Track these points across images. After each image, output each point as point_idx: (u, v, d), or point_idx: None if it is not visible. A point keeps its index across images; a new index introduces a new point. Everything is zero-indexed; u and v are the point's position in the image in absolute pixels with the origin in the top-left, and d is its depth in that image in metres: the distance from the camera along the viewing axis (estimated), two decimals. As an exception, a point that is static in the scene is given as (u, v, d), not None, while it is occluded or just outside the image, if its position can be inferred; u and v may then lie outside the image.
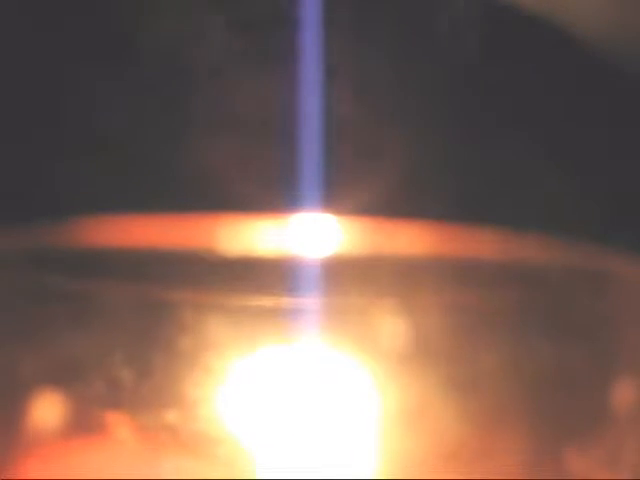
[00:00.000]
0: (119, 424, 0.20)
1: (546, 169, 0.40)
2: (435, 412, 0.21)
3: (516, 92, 0.37)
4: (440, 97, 0.36)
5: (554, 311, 0.22)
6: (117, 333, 0.20)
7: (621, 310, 0.22)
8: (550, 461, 0.22)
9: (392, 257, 0.23)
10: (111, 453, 0.20)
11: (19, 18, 0.30)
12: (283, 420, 0.21)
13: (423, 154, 0.33)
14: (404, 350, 0.21)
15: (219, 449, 0.20)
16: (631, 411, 0.22)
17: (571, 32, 0.40)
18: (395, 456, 0.21)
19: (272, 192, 0.39)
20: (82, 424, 0.21)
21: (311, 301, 0.21)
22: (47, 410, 0.20)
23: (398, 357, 0.21)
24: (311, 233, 0.21)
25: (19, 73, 0.30)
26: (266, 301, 0.20)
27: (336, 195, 0.38)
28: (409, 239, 0.22)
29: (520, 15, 0.40)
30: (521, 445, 0.22)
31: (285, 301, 0.20)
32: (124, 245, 0.20)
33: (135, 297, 0.20)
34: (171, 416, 0.20)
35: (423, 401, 0.21)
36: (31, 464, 0.20)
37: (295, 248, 0.21)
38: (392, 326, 0.21)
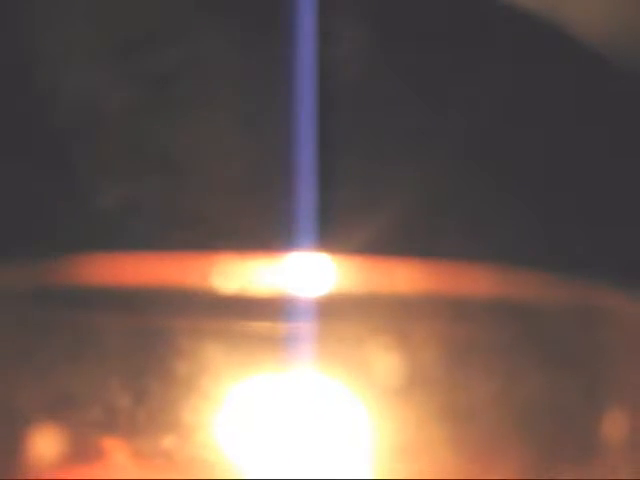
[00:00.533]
0: (116, 450, 0.20)
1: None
2: (428, 443, 0.21)
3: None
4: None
5: (546, 344, 0.22)
6: (114, 360, 0.21)
7: (612, 342, 0.22)
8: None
9: (387, 294, 0.23)
10: (109, 478, 0.21)
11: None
12: (278, 447, 0.21)
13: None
14: (398, 382, 0.21)
15: (215, 474, 0.20)
16: (623, 441, 0.22)
17: (571, 32, 0.41)
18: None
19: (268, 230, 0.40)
20: (80, 451, 0.21)
21: (306, 328, 0.21)
22: (45, 438, 0.21)
23: (392, 388, 0.21)
24: (306, 271, 0.21)
25: None
26: (262, 328, 0.21)
27: (331, 234, 0.38)
28: (403, 276, 0.22)
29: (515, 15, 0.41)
30: (514, 475, 0.22)
31: (281, 328, 0.21)
32: (121, 281, 0.21)
33: (131, 325, 0.20)
34: (167, 441, 0.20)
35: (416, 432, 0.21)
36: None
37: (290, 286, 0.21)
38: (386, 358, 0.21)
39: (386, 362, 0.22)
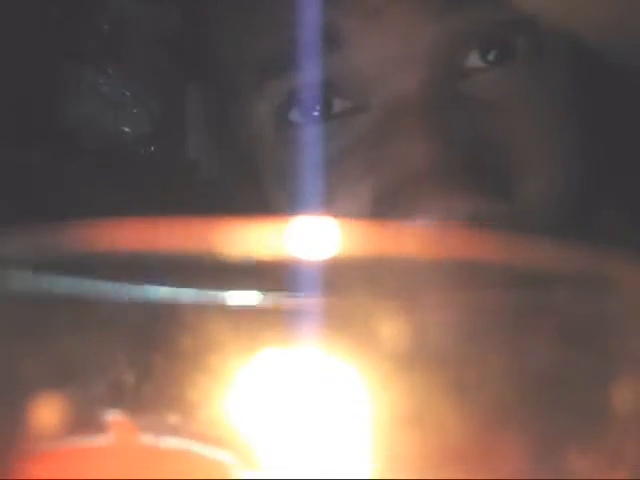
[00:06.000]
0: (120, 426, 0.20)
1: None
2: (436, 414, 0.21)
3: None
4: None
5: (556, 313, 0.22)
6: (118, 335, 0.20)
7: (624, 313, 0.22)
8: (552, 463, 0.22)
9: (394, 259, 0.23)
10: (113, 455, 0.20)
11: None
12: (284, 422, 0.21)
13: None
14: (405, 352, 0.21)
15: (220, 450, 0.20)
16: (632, 413, 0.22)
17: (572, 32, 0.40)
18: (396, 458, 0.21)
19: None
20: (83, 426, 0.21)
21: (312, 302, 0.21)
22: (48, 412, 0.20)
23: (399, 359, 0.21)
24: (312, 236, 0.21)
25: None
26: (267, 302, 0.20)
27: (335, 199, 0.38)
28: (411, 241, 0.22)
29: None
30: (523, 447, 0.22)
31: (286, 302, 0.20)
32: (125, 248, 0.20)
33: (136, 298, 0.20)
34: (172, 418, 0.20)
35: (424, 403, 0.21)
36: (33, 466, 0.20)
37: (296, 251, 0.21)
38: (393, 328, 0.21)
39: (392, 331, 0.21)
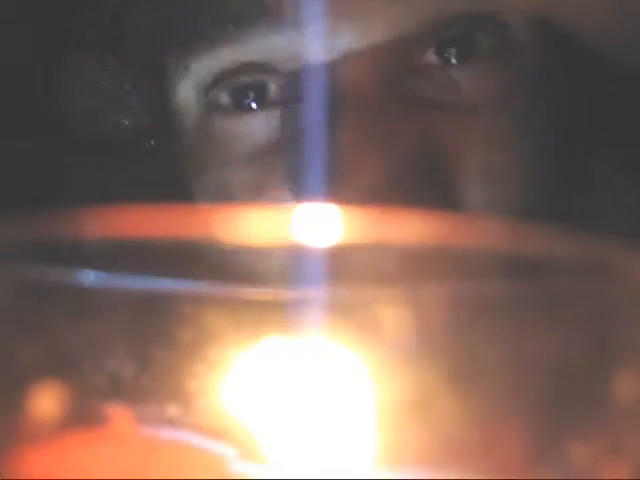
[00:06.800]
0: (119, 417, 0.20)
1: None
2: (439, 403, 0.21)
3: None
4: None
5: (556, 302, 0.22)
6: (117, 325, 0.20)
7: (623, 301, 0.22)
8: (552, 452, 0.21)
9: (395, 247, 0.23)
10: (111, 446, 0.20)
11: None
12: (285, 412, 0.21)
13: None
14: (407, 341, 0.21)
15: (219, 442, 0.20)
16: (633, 402, 0.22)
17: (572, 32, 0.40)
18: (397, 448, 0.21)
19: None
20: (82, 417, 0.20)
21: (313, 292, 0.21)
22: (47, 404, 0.20)
23: (401, 348, 0.21)
24: (314, 223, 0.21)
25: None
26: (267, 293, 0.20)
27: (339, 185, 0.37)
28: (413, 228, 0.22)
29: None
30: (524, 436, 0.21)
31: (287, 292, 0.20)
32: (124, 237, 0.20)
33: (135, 289, 0.20)
34: (171, 409, 0.20)
35: (427, 392, 0.21)
36: (31, 457, 0.20)
37: (298, 238, 0.21)
38: (395, 317, 0.21)
39: (394, 319, 0.21)
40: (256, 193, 0.37)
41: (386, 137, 0.36)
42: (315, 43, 0.35)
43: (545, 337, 0.22)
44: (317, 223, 0.21)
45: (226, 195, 0.38)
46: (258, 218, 0.20)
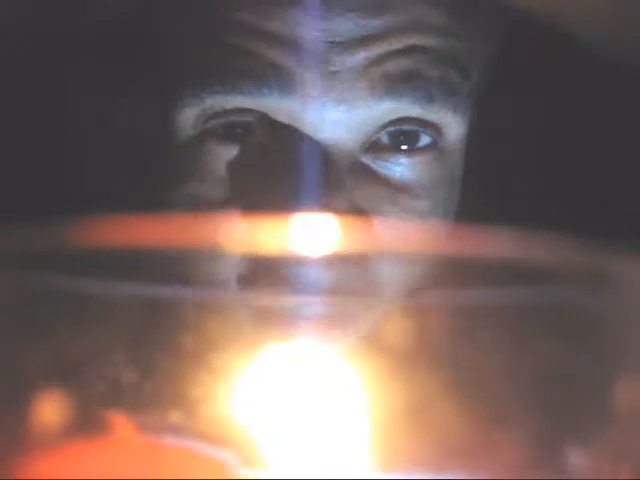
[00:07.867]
0: (122, 424, 0.20)
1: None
2: (436, 411, 0.21)
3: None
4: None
5: (558, 310, 0.22)
6: (119, 333, 0.20)
7: (625, 310, 0.22)
8: (553, 459, 0.22)
9: (395, 256, 0.23)
10: (114, 453, 0.20)
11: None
12: (286, 419, 0.21)
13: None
14: (406, 349, 0.21)
15: (221, 448, 0.20)
16: (633, 409, 0.22)
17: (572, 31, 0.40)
18: (398, 455, 0.21)
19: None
20: (85, 425, 0.21)
21: (313, 300, 0.21)
22: (51, 411, 0.20)
23: (400, 356, 0.21)
24: (313, 232, 0.21)
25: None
26: (268, 300, 0.20)
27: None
28: (413, 238, 0.22)
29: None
30: (522, 444, 0.22)
31: (287, 300, 0.20)
32: (126, 245, 0.20)
33: (137, 296, 0.20)
34: (174, 416, 0.20)
35: (424, 400, 0.21)
36: (35, 464, 0.20)
37: (297, 247, 0.21)
38: (394, 325, 0.21)
39: (393, 328, 0.21)
40: (243, 208, 0.39)
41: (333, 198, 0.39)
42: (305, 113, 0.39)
43: (546, 345, 0.22)
44: (314, 233, 0.21)
45: (209, 209, 0.39)
46: (258, 228, 0.21)
